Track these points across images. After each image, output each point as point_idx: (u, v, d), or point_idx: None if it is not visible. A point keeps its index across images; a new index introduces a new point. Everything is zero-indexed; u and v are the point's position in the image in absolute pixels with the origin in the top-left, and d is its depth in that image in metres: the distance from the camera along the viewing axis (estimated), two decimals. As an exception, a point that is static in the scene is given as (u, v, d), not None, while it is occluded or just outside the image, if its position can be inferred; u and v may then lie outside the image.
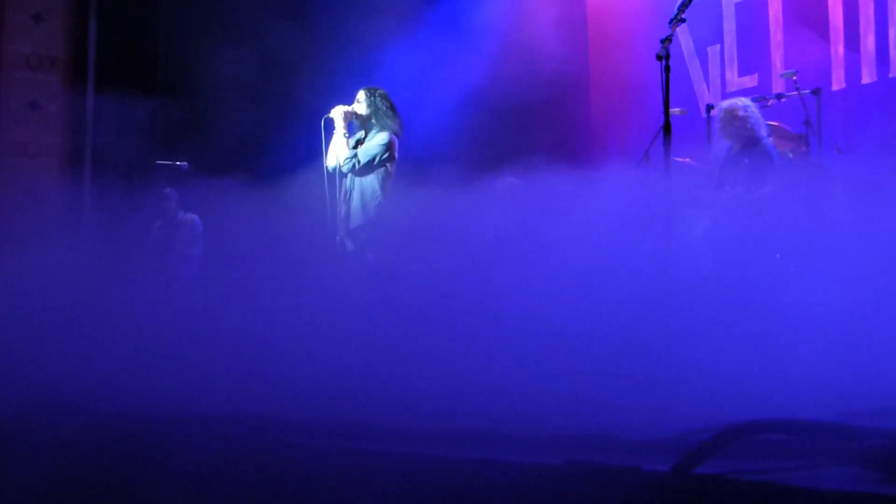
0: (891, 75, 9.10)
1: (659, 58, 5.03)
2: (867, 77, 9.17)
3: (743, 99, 8.01)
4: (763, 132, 7.75)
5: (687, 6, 5.16)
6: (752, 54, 10.39)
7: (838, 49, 9.51)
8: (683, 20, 5.14)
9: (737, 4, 10.56)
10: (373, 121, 7.75)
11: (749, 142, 7.69)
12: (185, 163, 9.67)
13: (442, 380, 4.06)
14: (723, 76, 10.70)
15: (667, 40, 5.05)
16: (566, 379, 3.84)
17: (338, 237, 7.64)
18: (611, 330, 4.39)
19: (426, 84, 10.02)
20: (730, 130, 7.83)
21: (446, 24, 11.02)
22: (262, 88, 10.07)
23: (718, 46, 10.67)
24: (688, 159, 8.66)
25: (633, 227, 6.07)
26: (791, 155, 8.19)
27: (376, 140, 7.64)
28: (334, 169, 7.68)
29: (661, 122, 8.32)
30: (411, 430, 3.20)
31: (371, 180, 7.61)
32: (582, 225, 6.10)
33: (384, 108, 7.75)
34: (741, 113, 7.78)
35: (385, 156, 7.62)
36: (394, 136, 7.69)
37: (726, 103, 8.05)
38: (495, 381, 3.96)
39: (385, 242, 7.39)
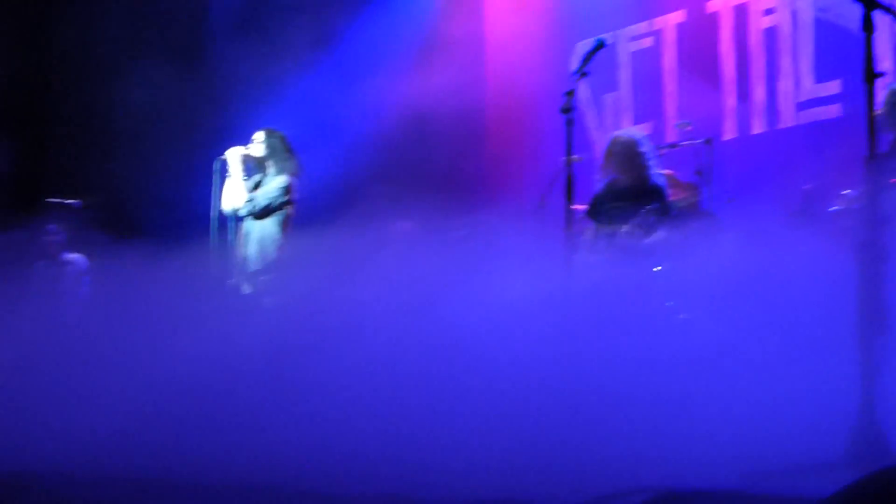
0: (780, 126, 9.30)
1: (564, 111, 5.02)
2: (757, 128, 9.35)
3: (639, 131, 7.84)
4: (657, 172, 7.40)
5: (590, 60, 5.16)
6: (647, 103, 10.54)
7: (730, 100, 9.70)
8: (586, 73, 5.14)
9: (632, 53, 10.72)
10: (270, 163, 7.62)
11: (643, 182, 7.19)
12: (77, 201, 9.37)
13: (325, 423, 3.99)
14: (618, 124, 10.80)
15: (570, 94, 5.04)
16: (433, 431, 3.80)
17: (233, 281, 7.47)
18: (502, 389, 4.34)
19: (322, 126, 9.94)
20: (625, 165, 7.26)
21: (343, 68, 11.00)
22: (156, 127, 9.88)
23: (614, 94, 10.82)
24: (584, 206, 8.70)
25: (530, 276, 6.04)
26: (682, 204, 8.28)
27: (275, 183, 7.51)
28: (230, 212, 7.53)
29: (559, 170, 8.45)
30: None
31: (270, 223, 7.47)
32: (476, 273, 6.05)
33: (282, 149, 7.64)
34: (641, 149, 7.24)
35: (284, 199, 7.50)
36: (293, 179, 7.57)
37: (623, 134, 7.58)
38: (375, 431, 3.90)
39: (284, 287, 7.26)
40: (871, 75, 3.19)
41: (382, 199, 9.73)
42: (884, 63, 8.37)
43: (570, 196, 5.24)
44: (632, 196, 7.11)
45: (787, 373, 3.82)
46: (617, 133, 7.46)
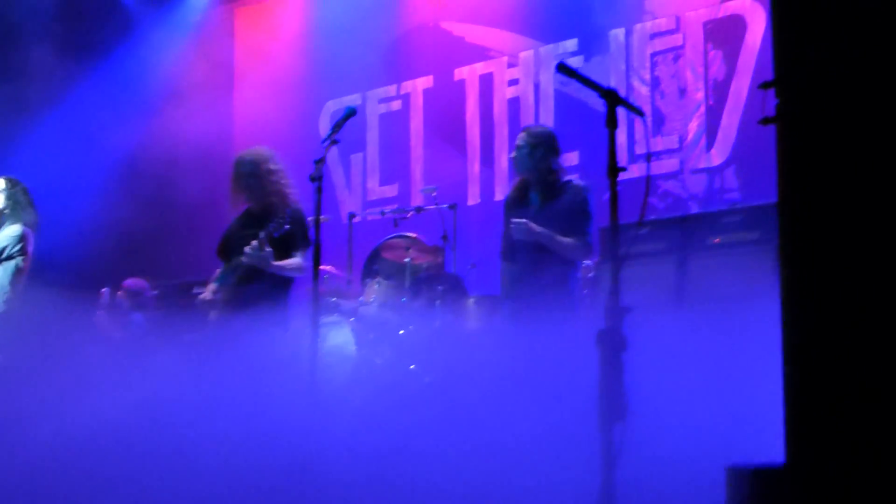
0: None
1: (312, 179, 5.00)
2: (500, 194, 9.61)
3: (268, 149, 6.59)
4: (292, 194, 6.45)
5: (339, 128, 5.16)
6: (394, 165, 10.68)
7: (474, 166, 9.95)
8: (336, 142, 5.14)
9: (380, 115, 10.85)
10: (7, 212, 7.23)
11: (278, 205, 6.19)
12: None
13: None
14: (364, 184, 10.90)
15: (320, 161, 5.03)
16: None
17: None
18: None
19: (61, 179, 9.55)
20: (255, 188, 6.31)
21: (85, 117, 10.62)
22: None
23: (361, 154, 10.90)
24: (329, 267, 8.69)
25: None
26: (428, 268, 8.39)
27: (8, 232, 7.11)
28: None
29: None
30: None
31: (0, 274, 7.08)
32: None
33: (23, 201, 7.26)
34: (271, 166, 6.31)
35: (16, 248, 7.10)
36: (28, 231, 7.19)
37: (248, 153, 6.49)
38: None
39: (11, 341, 6.87)
40: (614, 170, 3.31)
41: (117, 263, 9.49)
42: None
43: (317, 256, 5.19)
44: (264, 222, 6.10)
45: (529, 450, 3.89)
46: (242, 152, 6.54)
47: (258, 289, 6.06)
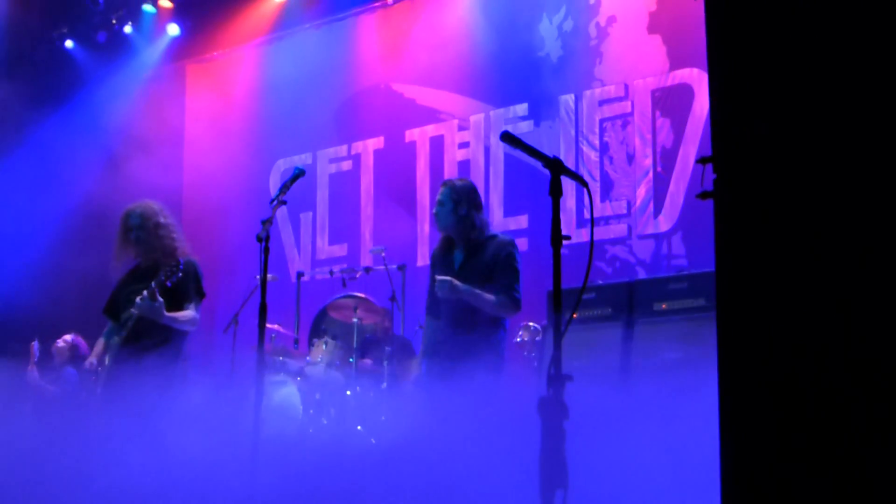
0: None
1: (259, 239, 4.99)
2: (449, 256, 9.64)
3: (156, 203, 6.38)
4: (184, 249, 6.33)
5: (288, 188, 5.16)
6: (343, 225, 10.68)
7: (424, 227, 9.97)
8: (284, 202, 5.14)
9: (330, 175, 10.87)
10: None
11: (169, 257, 6.00)
12: None
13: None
14: (314, 243, 10.89)
15: (267, 222, 5.02)
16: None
17: None
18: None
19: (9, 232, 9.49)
20: (148, 240, 6.13)
21: (34, 171, 10.58)
22: None
23: (311, 214, 10.90)
24: (277, 325, 8.65)
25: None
26: (376, 327, 8.39)
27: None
28: None
29: (252, 289, 8.37)
30: None
31: None
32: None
33: None
34: (162, 220, 6.20)
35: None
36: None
37: (137, 205, 6.25)
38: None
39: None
40: (558, 238, 3.34)
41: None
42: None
43: (263, 315, 5.18)
44: (154, 276, 5.87)
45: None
46: (129, 206, 6.21)
47: (148, 344, 5.81)
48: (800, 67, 2.38)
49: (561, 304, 3.33)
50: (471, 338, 5.63)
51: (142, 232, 6.06)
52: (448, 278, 5.65)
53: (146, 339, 5.84)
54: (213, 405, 6.08)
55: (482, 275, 5.73)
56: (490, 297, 5.68)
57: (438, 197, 5.92)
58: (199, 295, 6.10)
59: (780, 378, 2.32)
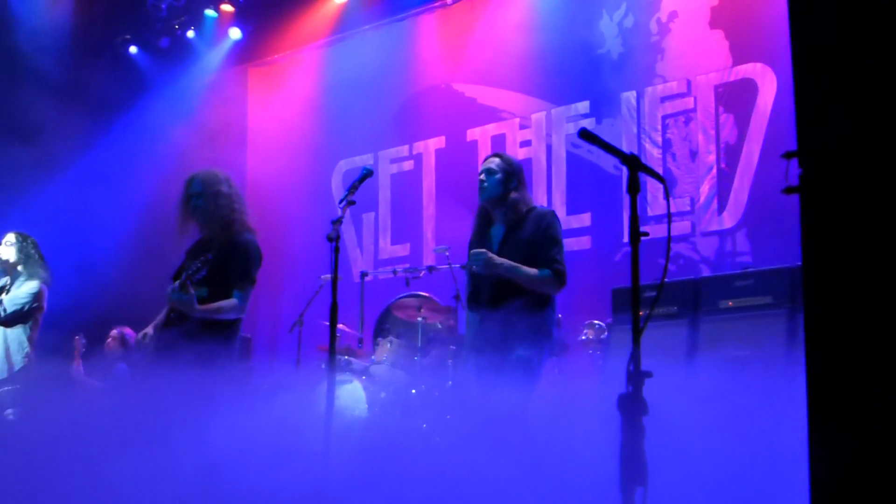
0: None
1: (330, 239, 4.96)
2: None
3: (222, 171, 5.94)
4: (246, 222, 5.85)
5: (356, 189, 5.15)
6: (405, 225, 10.73)
7: (486, 226, 9.94)
8: (353, 202, 5.11)
9: (392, 175, 10.92)
10: (20, 268, 7.25)
11: (227, 233, 5.64)
12: None
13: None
14: (376, 243, 10.95)
15: (337, 222, 5.00)
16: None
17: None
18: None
19: (74, 232, 9.61)
20: (206, 210, 5.64)
21: (100, 170, 10.73)
22: None
23: (373, 214, 10.96)
24: (341, 325, 8.70)
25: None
26: (440, 326, 8.41)
27: (25, 288, 7.15)
28: (-28, 317, 7.11)
29: (317, 289, 8.44)
30: None
31: (18, 331, 7.09)
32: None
33: (34, 255, 7.28)
34: (224, 188, 5.69)
35: (35, 305, 7.14)
36: (44, 287, 7.23)
37: (200, 172, 5.78)
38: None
39: (28, 398, 6.87)
40: (637, 235, 3.33)
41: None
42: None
43: (334, 315, 5.15)
44: (208, 250, 5.47)
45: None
46: (194, 172, 5.78)
47: (180, 332, 5.36)
48: (885, 60, 2.37)
49: (639, 301, 3.31)
50: (516, 320, 5.12)
51: (201, 200, 5.60)
52: (483, 250, 5.25)
53: (177, 326, 5.44)
54: (280, 404, 6.12)
55: (524, 251, 5.28)
56: (532, 271, 5.22)
57: (487, 165, 5.51)
58: (246, 280, 5.54)
59: (870, 375, 2.31)
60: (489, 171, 5.47)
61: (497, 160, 5.53)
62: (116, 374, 8.71)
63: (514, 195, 5.43)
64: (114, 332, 8.97)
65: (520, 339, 5.06)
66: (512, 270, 5.21)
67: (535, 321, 5.19)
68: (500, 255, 5.26)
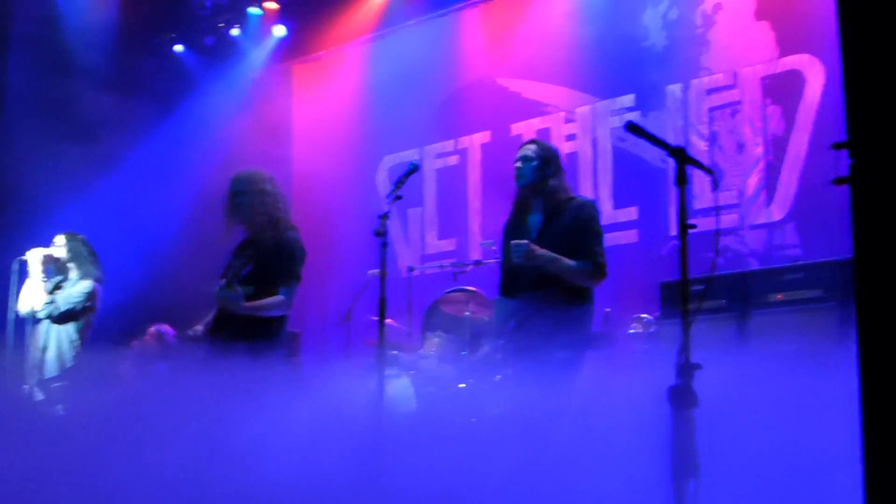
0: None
1: (377, 234, 5.00)
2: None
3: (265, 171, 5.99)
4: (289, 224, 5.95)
5: (402, 184, 5.20)
6: (452, 220, 10.75)
7: (532, 220, 9.95)
8: (400, 197, 5.15)
9: (438, 170, 10.94)
10: (73, 266, 7.36)
11: (272, 232, 5.70)
12: None
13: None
14: (423, 238, 10.98)
15: (384, 217, 5.04)
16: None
17: (26, 386, 7.10)
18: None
19: (125, 230, 9.72)
20: (251, 208, 5.71)
21: (150, 166, 10.84)
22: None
23: (419, 209, 10.99)
24: (389, 319, 8.73)
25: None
26: (487, 320, 8.41)
27: (79, 287, 7.25)
28: (26, 314, 7.22)
29: (364, 283, 8.48)
30: None
31: (69, 329, 7.20)
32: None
33: (86, 253, 7.38)
34: (267, 187, 5.80)
35: (87, 304, 7.24)
36: (97, 285, 7.32)
37: (245, 171, 5.88)
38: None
39: (78, 395, 6.96)
40: (685, 227, 3.33)
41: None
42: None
43: (383, 310, 5.20)
44: (252, 248, 5.64)
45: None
46: (238, 171, 5.85)
47: (229, 332, 5.48)
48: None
49: (688, 291, 3.31)
50: (555, 312, 5.10)
51: (244, 198, 5.66)
52: (525, 241, 5.19)
53: (235, 325, 5.50)
54: (329, 398, 6.15)
55: (563, 241, 5.24)
56: (572, 263, 5.19)
57: (523, 152, 5.48)
58: (291, 277, 5.63)
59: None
60: (525, 158, 5.45)
61: (533, 146, 5.52)
62: (157, 372, 8.77)
63: (552, 182, 5.41)
64: (152, 329, 8.99)
65: (559, 334, 5.01)
66: (552, 262, 5.17)
67: (574, 313, 5.18)
68: (538, 244, 5.22)
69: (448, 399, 7.59)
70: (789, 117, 8.49)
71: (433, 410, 7.53)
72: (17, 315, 7.28)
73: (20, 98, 10.23)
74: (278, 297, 5.54)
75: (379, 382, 5.05)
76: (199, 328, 5.76)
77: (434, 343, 8.10)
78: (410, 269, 9.22)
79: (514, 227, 5.51)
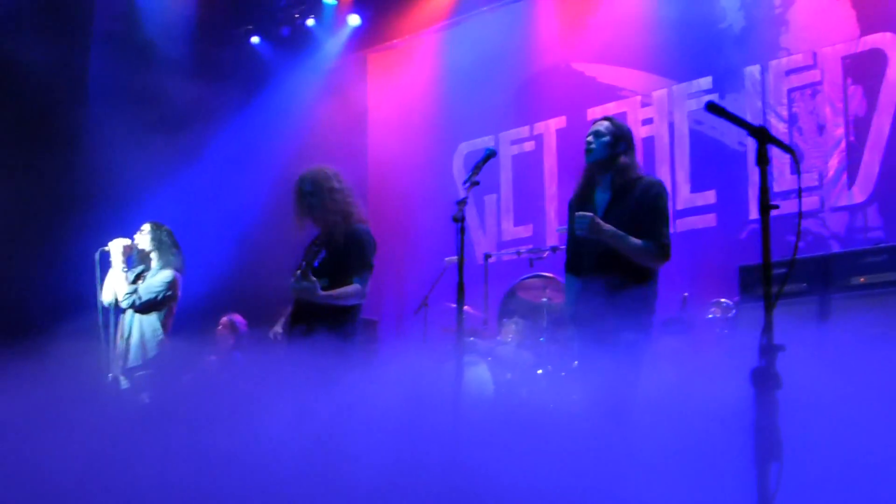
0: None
1: (455, 219, 4.98)
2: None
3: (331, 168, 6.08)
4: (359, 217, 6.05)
5: (479, 169, 5.19)
6: (528, 206, 10.74)
7: (610, 205, 9.91)
8: (477, 182, 5.15)
9: (513, 156, 10.93)
10: (154, 256, 7.49)
11: (341, 228, 5.84)
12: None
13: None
14: (499, 224, 10.99)
15: (462, 203, 5.02)
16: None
17: (111, 375, 7.26)
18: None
19: (207, 221, 9.87)
20: (320, 207, 5.84)
21: (229, 159, 10.99)
22: (37, 217, 9.65)
23: (495, 196, 10.99)
24: (466, 306, 8.75)
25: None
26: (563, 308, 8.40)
27: (160, 277, 7.37)
28: (110, 304, 7.37)
29: (441, 270, 8.52)
30: None
31: (152, 318, 7.32)
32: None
33: (168, 243, 7.50)
34: (334, 184, 5.92)
35: (168, 294, 7.36)
36: (178, 275, 7.44)
37: (310, 170, 5.99)
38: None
39: (162, 383, 7.09)
40: (767, 207, 3.29)
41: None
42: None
43: (461, 296, 5.22)
44: (325, 244, 5.84)
45: (685, 491, 3.87)
46: (304, 171, 5.96)
47: (314, 322, 5.58)
48: None
49: (770, 271, 3.28)
50: (620, 291, 5.04)
51: (314, 198, 5.81)
52: (589, 213, 5.14)
53: (312, 316, 5.63)
54: (408, 385, 6.18)
55: (629, 219, 5.18)
56: (637, 242, 5.14)
57: (596, 128, 5.42)
58: (364, 267, 5.76)
59: None
60: (597, 133, 5.39)
61: (606, 123, 5.46)
62: (232, 361, 8.88)
63: (623, 159, 5.33)
64: (224, 319, 9.07)
65: (625, 316, 4.95)
66: (616, 237, 5.12)
67: (639, 294, 5.13)
68: (604, 221, 5.16)
69: (526, 385, 7.59)
70: (871, 97, 8.34)
71: (511, 397, 7.54)
72: (102, 305, 7.42)
73: (104, 92, 10.45)
74: (354, 286, 5.69)
75: (457, 369, 5.05)
76: (278, 329, 5.93)
77: (511, 329, 8.11)
78: (487, 256, 9.24)
79: (581, 203, 5.45)
